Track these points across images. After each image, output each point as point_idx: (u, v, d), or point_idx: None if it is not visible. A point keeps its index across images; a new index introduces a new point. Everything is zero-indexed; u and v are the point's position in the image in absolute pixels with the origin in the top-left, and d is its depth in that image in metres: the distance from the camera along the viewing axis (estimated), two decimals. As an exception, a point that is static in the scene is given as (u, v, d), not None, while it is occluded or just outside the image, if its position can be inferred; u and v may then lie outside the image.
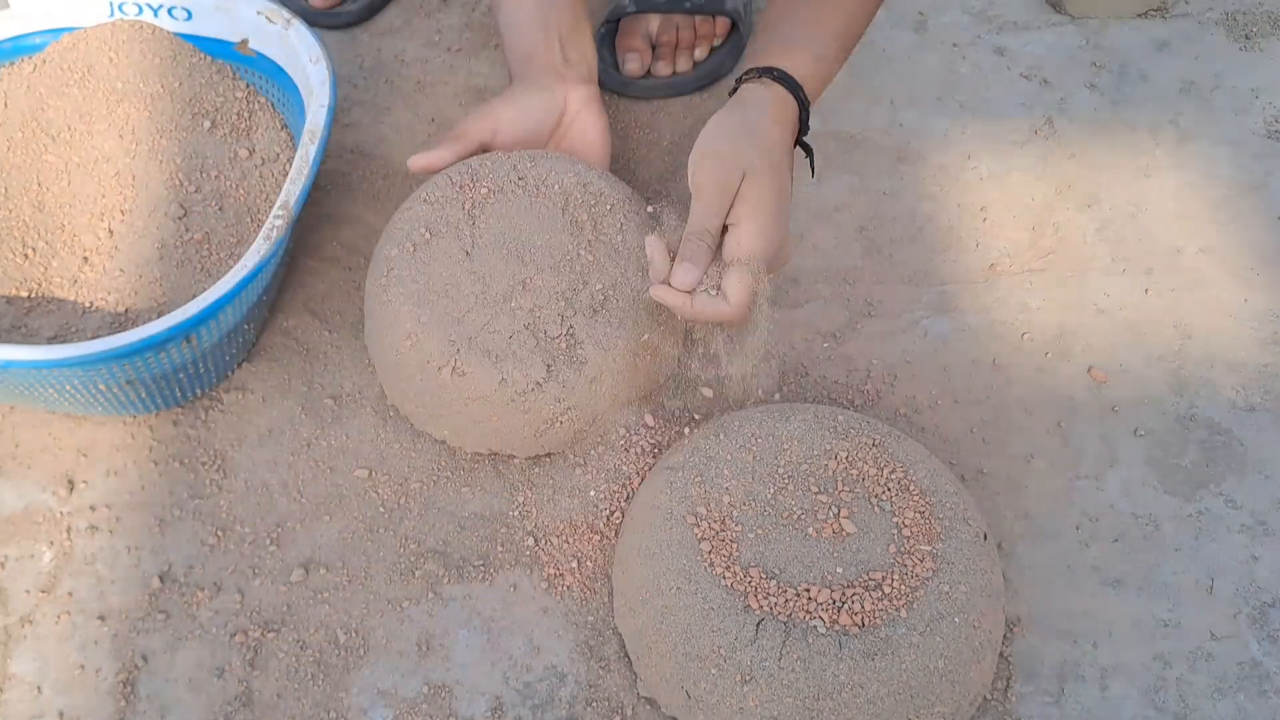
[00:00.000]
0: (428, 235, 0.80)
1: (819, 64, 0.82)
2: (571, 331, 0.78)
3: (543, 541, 0.78)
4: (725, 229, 0.75)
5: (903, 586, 0.67)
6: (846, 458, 0.73)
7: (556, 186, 0.83)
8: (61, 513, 0.79)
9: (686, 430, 0.83)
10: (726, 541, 0.69)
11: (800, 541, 0.69)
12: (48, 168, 0.86)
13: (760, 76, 0.80)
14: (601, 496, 0.80)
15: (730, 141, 0.76)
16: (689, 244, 0.74)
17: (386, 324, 0.79)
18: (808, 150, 0.84)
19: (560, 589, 0.76)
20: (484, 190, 0.82)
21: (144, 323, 0.78)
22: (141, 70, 0.89)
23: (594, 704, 0.71)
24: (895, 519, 0.70)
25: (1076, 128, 1.05)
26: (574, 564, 0.77)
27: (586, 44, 0.92)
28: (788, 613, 0.66)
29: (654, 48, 1.08)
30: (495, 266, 0.79)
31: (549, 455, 0.82)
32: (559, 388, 0.77)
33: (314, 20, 1.13)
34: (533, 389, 0.76)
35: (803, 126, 0.81)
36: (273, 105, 0.92)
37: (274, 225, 0.77)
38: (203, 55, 0.92)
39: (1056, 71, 1.11)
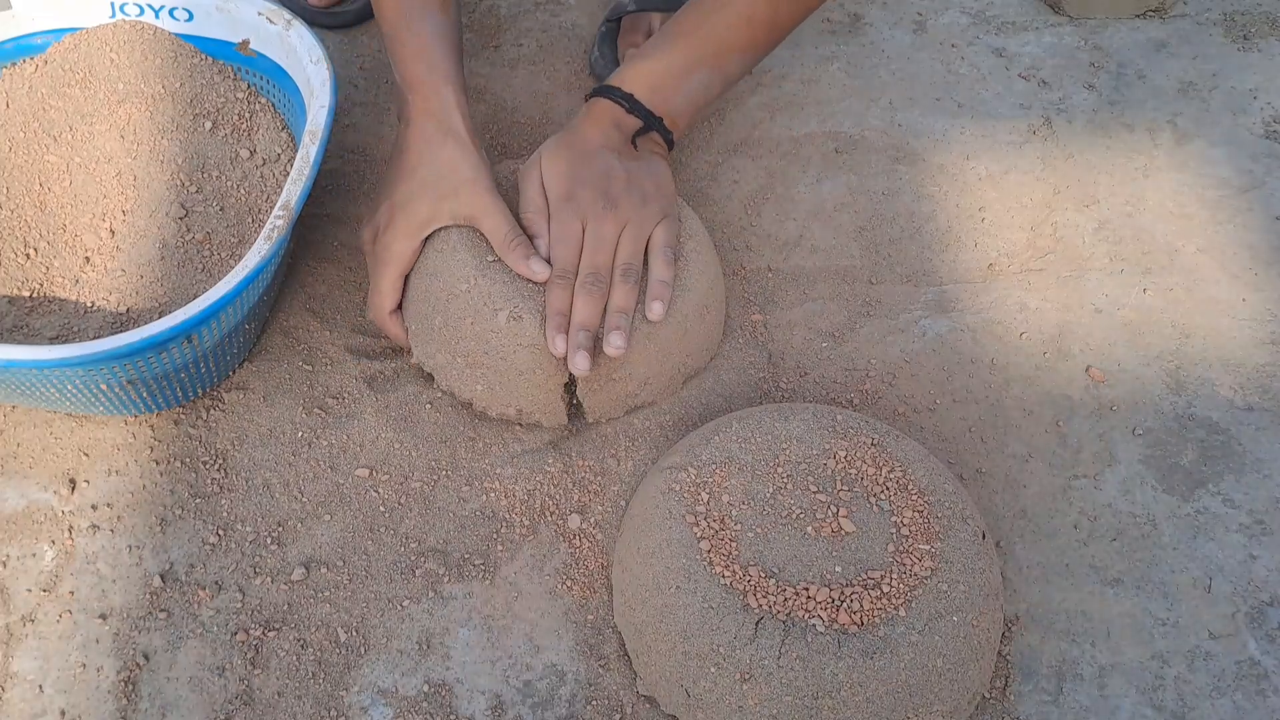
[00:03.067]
0: None
1: (657, 73, 0.86)
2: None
3: (544, 535, 0.79)
4: None
5: (901, 585, 0.68)
6: (845, 457, 0.74)
7: None
8: (63, 512, 0.79)
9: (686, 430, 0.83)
10: (726, 540, 0.70)
11: (799, 540, 0.70)
12: (49, 168, 0.86)
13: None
14: (601, 496, 0.80)
15: (531, 170, 0.85)
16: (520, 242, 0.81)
17: (442, 268, 0.81)
18: (666, 136, 0.88)
19: (561, 588, 0.76)
20: None
21: (145, 323, 0.78)
22: (143, 71, 0.89)
23: (594, 702, 0.72)
24: (894, 518, 0.71)
25: (1075, 128, 1.06)
26: (574, 562, 0.78)
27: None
28: (787, 611, 0.66)
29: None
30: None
31: (554, 444, 0.82)
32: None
33: (314, 20, 1.13)
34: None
35: (646, 113, 0.86)
36: (274, 106, 0.92)
37: (275, 225, 0.77)
38: (204, 56, 0.92)
39: (1055, 72, 1.11)
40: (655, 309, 0.79)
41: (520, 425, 0.84)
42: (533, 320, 0.78)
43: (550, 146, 0.84)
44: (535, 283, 0.80)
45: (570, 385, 0.83)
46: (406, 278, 0.84)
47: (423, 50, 0.84)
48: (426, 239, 0.83)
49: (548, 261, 0.79)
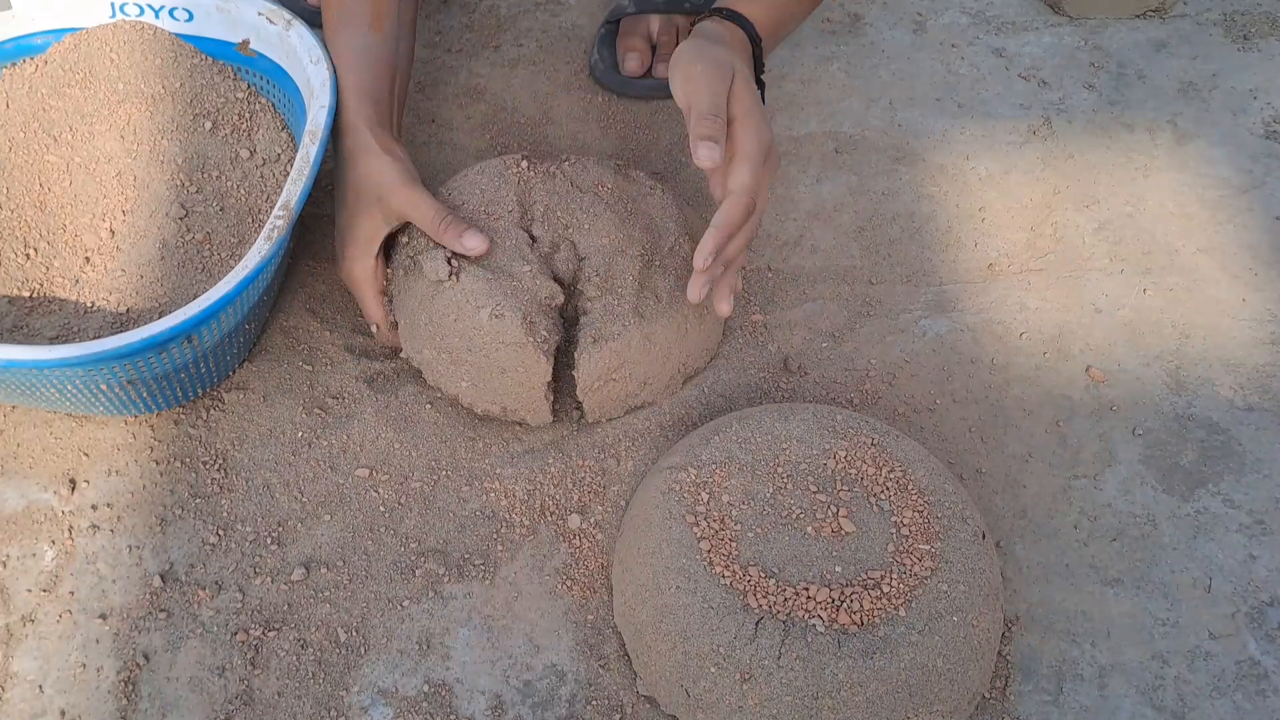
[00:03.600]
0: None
1: (772, 9, 0.86)
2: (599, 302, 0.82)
3: (544, 535, 0.79)
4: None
5: (901, 585, 0.68)
6: (845, 457, 0.74)
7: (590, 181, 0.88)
8: (63, 512, 0.79)
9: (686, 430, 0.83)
10: (726, 540, 0.70)
11: (799, 540, 0.70)
12: (49, 168, 0.86)
13: (713, 16, 0.84)
14: (601, 496, 0.80)
15: (710, 51, 0.79)
16: (704, 123, 0.74)
17: (444, 284, 0.81)
18: (760, 87, 0.86)
19: (561, 588, 0.76)
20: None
21: (145, 323, 0.78)
22: (143, 71, 0.89)
23: (594, 702, 0.72)
24: (894, 518, 0.71)
25: (1075, 128, 1.06)
26: (573, 561, 0.78)
27: (403, 111, 0.91)
28: (787, 611, 0.66)
29: (654, 48, 1.08)
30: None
31: (554, 444, 0.82)
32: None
33: (314, 21, 1.13)
34: (547, 341, 0.80)
35: (757, 65, 0.85)
36: (274, 106, 0.92)
37: (275, 225, 0.77)
38: (204, 56, 0.92)
39: (1055, 72, 1.11)
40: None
41: (509, 423, 0.84)
42: (515, 318, 0.78)
43: (749, 82, 0.79)
44: (473, 256, 0.80)
45: (563, 385, 0.83)
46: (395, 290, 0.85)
47: (339, 69, 0.86)
48: (388, 246, 0.85)
49: (485, 233, 0.80)
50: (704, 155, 0.73)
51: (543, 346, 0.79)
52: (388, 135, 0.84)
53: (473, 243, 0.80)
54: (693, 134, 0.74)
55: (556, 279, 0.83)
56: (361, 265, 0.84)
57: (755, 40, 0.85)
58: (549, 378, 0.80)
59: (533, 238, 0.84)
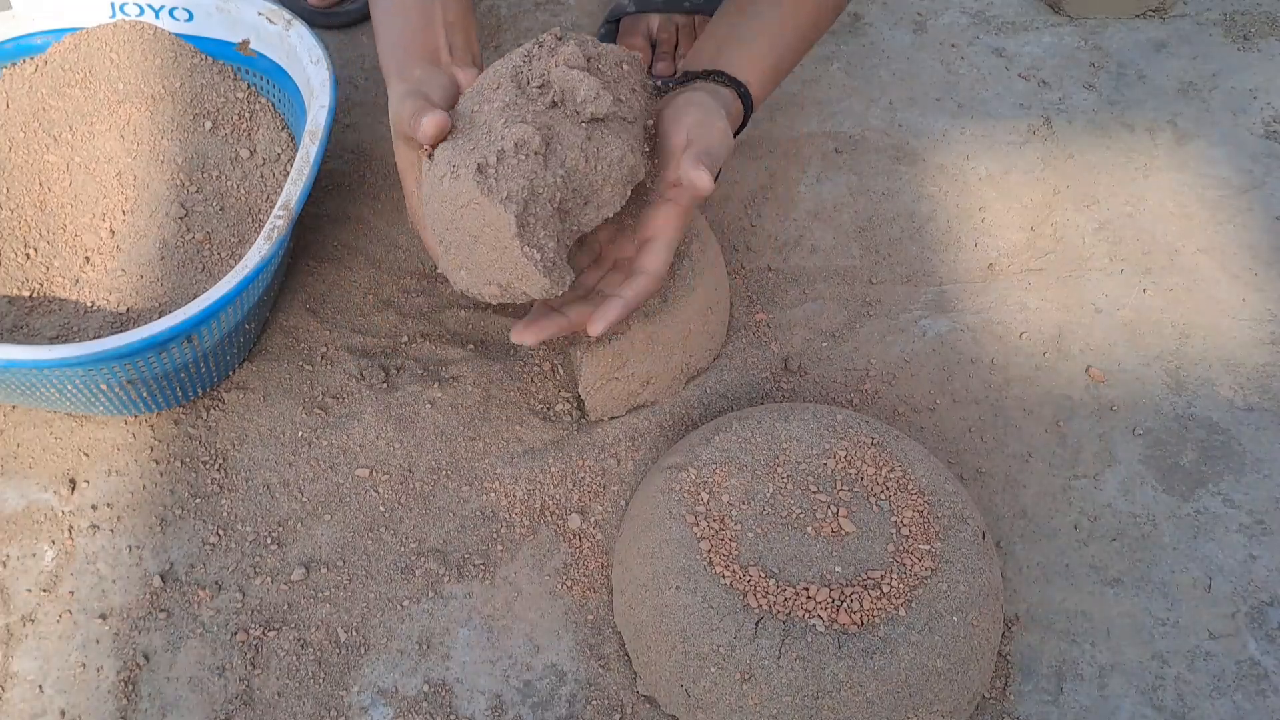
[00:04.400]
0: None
1: (768, 69, 0.83)
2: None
3: (544, 535, 0.79)
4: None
5: (901, 585, 0.68)
6: (845, 457, 0.74)
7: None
8: (63, 512, 0.79)
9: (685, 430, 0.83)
10: (726, 540, 0.70)
11: (799, 540, 0.70)
12: (49, 168, 0.86)
13: (729, 84, 0.80)
14: (601, 496, 0.80)
15: (723, 123, 0.76)
16: (706, 158, 0.72)
17: (427, 164, 0.72)
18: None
19: (561, 588, 0.76)
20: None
21: (145, 322, 0.78)
22: (143, 71, 0.89)
23: (594, 702, 0.72)
24: (894, 518, 0.71)
25: (1075, 128, 1.06)
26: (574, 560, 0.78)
27: (472, 34, 0.83)
28: (787, 611, 0.66)
29: (653, 47, 1.09)
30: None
31: (554, 444, 0.82)
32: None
33: (314, 20, 1.13)
34: (508, 189, 0.68)
35: (739, 128, 0.83)
36: (274, 106, 0.92)
37: (275, 225, 0.77)
38: (204, 56, 0.92)
39: (1055, 72, 1.11)
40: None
41: (512, 422, 0.83)
42: (467, 173, 0.67)
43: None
44: (433, 141, 0.70)
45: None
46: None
47: (381, 49, 0.81)
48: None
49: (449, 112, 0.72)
50: (704, 177, 0.72)
51: (499, 194, 0.66)
52: (414, 66, 0.77)
53: (426, 120, 0.70)
54: (692, 157, 0.72)
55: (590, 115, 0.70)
56: (409, 200, 0.78)
57: (748, 114, 0.82)
58: (515, 229, 0.66)
59: (541, 89, 0.72)
